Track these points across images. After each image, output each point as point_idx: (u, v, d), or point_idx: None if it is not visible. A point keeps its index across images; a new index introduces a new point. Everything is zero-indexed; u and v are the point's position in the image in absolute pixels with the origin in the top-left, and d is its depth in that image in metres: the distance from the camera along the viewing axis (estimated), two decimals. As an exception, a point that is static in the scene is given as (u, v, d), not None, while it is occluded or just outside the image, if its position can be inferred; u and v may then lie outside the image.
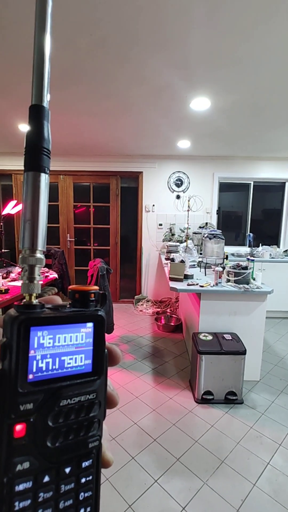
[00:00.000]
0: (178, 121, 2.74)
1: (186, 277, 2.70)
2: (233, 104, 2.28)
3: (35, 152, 0.23)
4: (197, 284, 2.54)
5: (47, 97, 0.23)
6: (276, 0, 1.21)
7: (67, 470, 0.22)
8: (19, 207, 3.35)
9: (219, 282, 2.57)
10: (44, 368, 0.21)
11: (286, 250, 4.44)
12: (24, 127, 3.05)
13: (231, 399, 2.29)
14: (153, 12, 1.28)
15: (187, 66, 1.74)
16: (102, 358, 0.25)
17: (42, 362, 0.21)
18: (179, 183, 4.47)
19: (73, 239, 4.74)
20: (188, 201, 3.79)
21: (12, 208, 3.26)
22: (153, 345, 3.28)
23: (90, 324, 0.24)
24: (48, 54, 0.23)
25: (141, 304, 4.52)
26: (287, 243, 4.63)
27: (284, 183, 4.57)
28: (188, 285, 2.54)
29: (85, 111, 2.54)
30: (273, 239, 4.76)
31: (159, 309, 4.33)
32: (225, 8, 1.25)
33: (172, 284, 2.54)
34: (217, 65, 1.72)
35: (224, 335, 2.45)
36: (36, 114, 0.23)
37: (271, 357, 3.02)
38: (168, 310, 4.21)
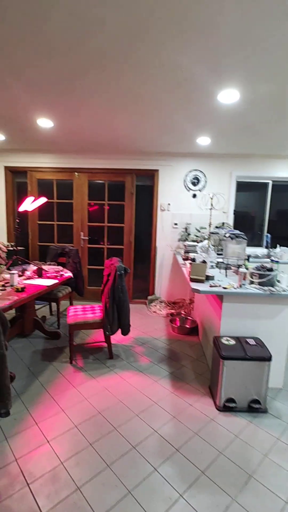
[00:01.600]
0: (202, 115, 2.64)
1: (208, 278, 2.60)
2: (263, 96, 2.16)
3: None
4: (219, 286, 2.43)
5: None
6: None
7: None
8: (37, 203, 3.30)
9: (243, 284, 2.45)
10: None
11: (306, 252, 4.28)
12: (43, 122, 2.99)
13: (255, 407, 2.18)
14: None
15: (216, 54, 1.64)
16: None
17: None
18: (195, 181, 4.36)
19: (87, 238, 4.68)
20: (211, 199, 3.67)
21: (29, 204, 3.20)
22: (168, 348, 3.19)
23: None
24: None
25: (154, 305, 4.43)
26: (306, 244, 4.47)
27: (305, 182, 4.41)
28: (210, 286, 2.43)
29: (104, 104, 2.46)
30: (289, 241, 4.60)
31: (173, 311, 4.23)
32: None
33: (194, 285, 2.44)
34: (248, 53, 1.62)
35: (248, 340, 2.34)
36: None
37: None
38: (182, 312, 4.10)
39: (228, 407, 2.19)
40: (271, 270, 2.47)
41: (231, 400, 2.20)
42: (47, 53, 1.69)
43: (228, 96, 2.19)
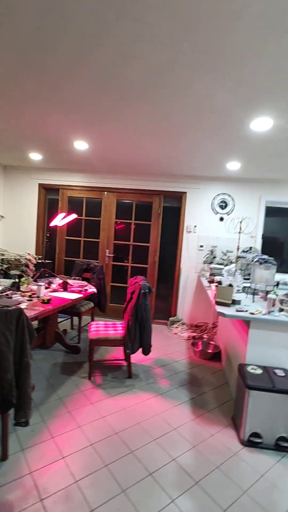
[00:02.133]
0: (233, 142, 2.69)
1: (234, 302, 2.53)
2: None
3: None
4: (246, 311, 2.35)
5: None
6: None
7: None
8: (67, 219, 3.44)
9: (272, 311, 2.36)
10: None
11: None
12: (79, 144, 3.17)
13: (283, 446, 2.01)
14: (214, 31, 1.26)
15: (249, 85, 1.69)
16: None
17: None
18: (223, 205, 4.37)
19: (112, 255, 4.75)
20: (240, 223, 3.65)
21: (61, 219, 3.34)
22: (189, 372, 3.07)
23: None
24: None
25: (176, 327, 4.34)
26: None
27: None
28: (236, 311, 2.36)
29: (140, 130, 2.58)
30: None
31: (195, 334, 4.12)
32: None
33: (219, 309, 2.37)
34: (282, 82, 1.66)
35: (275, 371, 2.21)
36: None
37: None
38: (205, 336, 3.98)
39: (252, 442, 2.04)
40: (302, 297, 2.36)
41: (256, 435, 2.05)
42: (90, 87, 1.83)
43: (261, 124, 2.22)
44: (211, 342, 3.68)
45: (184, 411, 2.39)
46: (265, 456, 1.95)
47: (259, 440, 2.03)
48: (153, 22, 1.26)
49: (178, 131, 2.56)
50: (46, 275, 3.64)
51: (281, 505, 1.59)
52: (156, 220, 4.59)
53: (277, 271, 4.38)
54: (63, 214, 3.46)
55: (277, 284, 3.07)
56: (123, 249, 4.79)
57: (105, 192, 4.66)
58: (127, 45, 1.44)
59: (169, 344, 3.80)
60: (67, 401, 2.38)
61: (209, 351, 3.52)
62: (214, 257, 4.27)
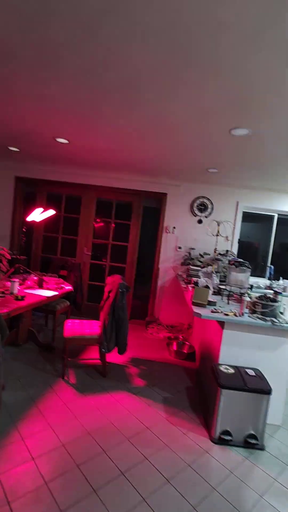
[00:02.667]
0: (215, 147, 2.74)
1: (210, 303, 2.58)
2: (274, 133, 2.26)
3: None
4: (221, 312, 2.41)
5: None
6: None
7: None
8: (45, 215, 3.34)
9: (245, 313, 2.44)
10: None
11: (307, 287, 4.29)
12: (60, 141, 3.10)
13: (252, 443, 2.08)
14: (212, 40, 1.28)
15: (236, 92, 1.74)
16: None
17: None
18: (202, 208, 4.46)
19: (90, 254, 4.69)
20: (218, 225, 3.73)
21: (38, 215, 3.25)
22: (164, 372, 3.10)
23: None
24: None
25: (152, 327, 4.36)
26: (308, 280, 4.49)
27: (308, 219, 4.51)
28: (211, 312, 2.41)
29: (123, 130, 2.56)
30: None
31: (170, 334, 4.16)
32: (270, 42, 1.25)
33: (196, 310, 2.42)
34: (265, 93, 1.72)
35: (247, 370, 2.29)
36: None
37: (291, 400, 2.80)
38: (180, 336, 4.03)
39: (223, 439, 2.10)
40: (274, 301, 2.47)
41: (227, 432, 2.11)
42: (75, 85, 1.79)
43: (242, 130, 2.29)
44: (186, 343, 3.74)
45: (157, 410, 2.40)
46: (235, 454, 2.01)
47: (229, 438, 2.09)
48: (143, 22, 1.26)
49: (162, 133, 2.57)
50: (21, 271, 3.52)
51: (248, 501, 1.65)
52: (136, 219, 4.59)
53: (251, 275, 4.54)
54: (41, 209, 3.36)
55: (251, 287, 3.18)
56: (102, 247, 4.74)
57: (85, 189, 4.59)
58: (115, 43, 1.43)
59: (145, 344, 3.81)
60: (38, 401, 2.32)
61: (184, 351, 3.57)
62: (192, 259, 4.34)
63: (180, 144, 2.80)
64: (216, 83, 1.67)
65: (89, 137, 2.91)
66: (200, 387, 2.87)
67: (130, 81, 1.77)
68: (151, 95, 1.91)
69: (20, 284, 3.08)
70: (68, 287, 3.39)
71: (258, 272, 4.69)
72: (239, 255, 4.51)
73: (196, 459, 1.92)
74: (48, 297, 2.88)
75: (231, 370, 2.26)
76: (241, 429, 2.11)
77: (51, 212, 3.65)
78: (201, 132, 2.44)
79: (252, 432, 2.10)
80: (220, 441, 2.10)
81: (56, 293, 3.06)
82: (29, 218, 3.37)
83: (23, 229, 3.56)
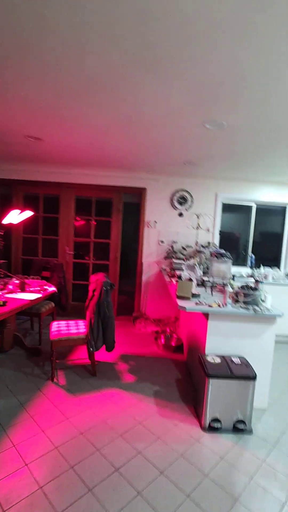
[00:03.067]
0: (190, 140, 2.76)
1: (194, 296, 2.63)
2: (246, 125, 2.30)
3: None
4: (205, 304, 2.46)
5: None
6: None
7: None
8: (22, 216, 3.26)
9: (228, 303, 2.50)
10: None
11: (287, 274, 4.44)
12: (33, 138, 3.01)
13: (240, 428, 2.16)
14: (176, 35, 1.28)
15: (207, 86, 1.75)
16: None
17: None
18: (182, 201, 4.49)
19: (72, 253, 4.64)
20: (198, 218, 3.77)
21: (15, 217, 3.16)
22: (153, 366, 3.14)
23: None
24: None
25: (139, 322, 4.39)
26: (287, 266, 4.64)
27: (285, 207, 4.64)
28: (196, 304, 2.46)
29: (102, 122, 2.52)
30: (272, 262, 4.76)
31: (158, 328, 4.21)
32: (239, 35, 1.26)
33: (180, 303, 2.45)
34: (236, 86, 1.74)
35: (233, 358, 2.36)
36: None
37: (276, 383, 2.92)
38: (167, 329, 4.08)
39: (213, 427, 2.16)
40: (255, 289, 2.54)
41: (216, 420, 2.17)
42: (46, 81, 1.74)
43: (215, 124, 2.31)
44: (174, 335, 3.79)
45: (148, 404, 2.44)
46: (225, 440, 2.08)
47: (218, 425, 2.16)
48: (113, 17, 1.24)
49: (136, 129, 2.55)
50: (1, 276, 3.44)
51: (238, 484, 1.72)
52: (116, 216, 4.56)
53: (234, 264, 4.64)
54: (18, 211, 3.28)
55: (233, 277, 3.25)
56: (84, 246, 4.69)
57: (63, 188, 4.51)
58: (81, 37, 1.39)
59: (133, 340, 3.84)
60: (28, 406, 2.30)
61: (172, 344, 3.63)
62: (175, 252, 4.38)
63: (155, 139, 2.80)
64: (185, 76, 1.67)
65: (62, 134, 2.85)
66: (190, 378, 2.93)
67: (100, 78, 1.74)
68: (121, 92, 1.89)
69: (1, 289, 3.01)
70: (52, 289, 3.35)
71: (240, 261, 4.80)
72: (221, 246, 4.59)
73: (188, 448, 1.97)
74: (31, 301, 2.84)
75: (218, 360, 2.32)
76: (230, 415, 2.18)
77: (28, 213, 3.57)
78: (175, 126, 2.45)
79: (240, 417, 2.18)
80: (210, 429, 2.16)
81: (39, 295, 3.01)
82: (5, 221, 3.28)
83: (0, 233, 3.46)
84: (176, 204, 4.49)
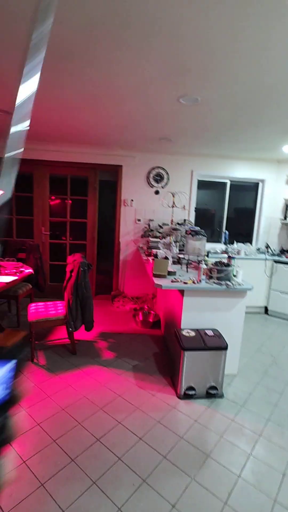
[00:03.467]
0: (165, 115, 2.70)
1: (170, 273, 2.70)
2: (219, 100, 2.27)
3: None
4: (180, 281, 2.54)
5: None
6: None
7: None
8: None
9: (202, 279, 2.59)
10: None
11: (258, 248, 4.62)
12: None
13: (212, 393, 2.34)
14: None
15: (178, 58, 1.70)
16: None
17: None
18: (158, 178, 4.45)
19: (48, 233, 4.54)
20: (173, 196, 3.77)
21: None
22: (132, 342, 3.25)
23: None
24: None
25: (118, 300, 4.47)
26: (259, 241, 4.82)
27: (258, 183, 4.73)
28: (172, 282, 2.53)
29: (72, 95, 2.40)
30: (245, 237, 4.92)
31: (136, 305, 4.31)
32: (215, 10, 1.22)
33: (157, 281, 2.52)
34: (207, 61, 1.70)
35: (206, 331, 2.49)
36: None
37: (246, 351, 3.13)
38: (145, 306, 4.20)
39: (188, 394, 2.32)
40: (228, 265, 2.64)
41: (191, 388, 2.33)
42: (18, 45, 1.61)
43: (188, 99, 2.26)
44: (151, 312, 3.91)
45: (128, 378, 2.56)
46: (198, 405, 2.25)
47: (193, 392, 2.32)
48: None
49: (108, 103, 2.45)
50: (-26, 259, 3.33)
51: (210, 442, 1.89)
52: (92, 194, 4.47)
53: (209, 241, 4.75)
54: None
55: (208, 253, 3.34)
56: (60, 226, 4.59)
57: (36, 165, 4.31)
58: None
59: (112, 318, 3.92)
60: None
61: (150, 320, 3.75)
62: (152, 230, 4.40)
63: (128, 113, 2.71)
64: (158, 48, 1.61)
65: (33, 107, 2.69)
66: (167, 351, 3.08)
67: (69, 48, 1.64)
68: (90, 61, 1.79)
69: (-26, 273, 2.93)
70: (28, 270, 3.31)
71: (215, 237, 4.92)
72: (197, 223, 4.66)
73: (165, 415, 2.11)
74: (7, 283, 2.80)
75: (192, 333, 2.44)
76: (203, 383, 2.34)
77: (-1, 193, 3.41)
78: (148, 101, 2.38)
79: (213, 384, 2.35)
80: (185, 396, 2.32)
81: (15, 277, 2.97)
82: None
83: None
84: (152, 181, 4.45)
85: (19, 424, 1.94)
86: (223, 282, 2.54)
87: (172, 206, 3.97)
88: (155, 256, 2.96)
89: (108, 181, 4.56)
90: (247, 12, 1.26)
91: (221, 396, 2.36)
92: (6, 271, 3.12)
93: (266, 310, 4.43)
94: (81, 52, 1.68)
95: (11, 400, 0.53)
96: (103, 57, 1.72)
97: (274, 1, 1.18)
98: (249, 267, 4.12)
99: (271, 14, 1.26)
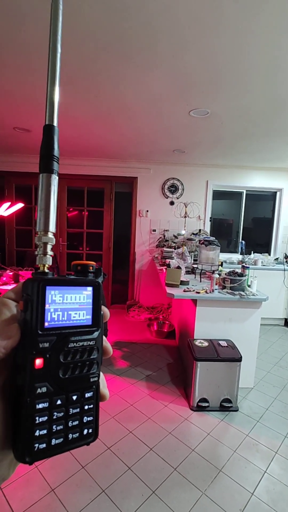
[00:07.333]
0: (176, 128, 2.77)
1: (182, 283, 2.70)
2: (230, 112, 2.32)
3: (48, 159, 0.32)
4: (193, 291, 2.54)
5: (56, 119, 0.31)
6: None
7: (74, 397, 0.29)
8: (13, 209, 3.28)
9: (215, 289, 2.57)
10: (56, 319, 0.27)
11: (276, 258, 4.52)
12: (21, 128, 3.01)
13: (226, 406, 2.28)
14: (159, 25, 1.29)
15: (185, 76, 1.76)
16: (99, 315, 0.30)
17: (54, 314, 0.27)
18: (173, 189, 4.51)
19: (65, 243, 4.68)
20: (186, 207, 3.80)
21: (5, 210, 3.19)
22: (146, 352, 3.25)
23: (89, 288, 0.30)
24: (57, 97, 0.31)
25: (133, 310, 4.49)
26: (277, 251, 4.72)
27: (276, 192, 4.67)
28: (184, 291, 2.53)
29: (86, 113, 2.52)
30: (263, 247, 4.84)
31: (151, 315, 4.31)
32: (219, 30, 1.28)
33: (169, 290, 2.53)
34: (216, 75, 1.75)
35: (220, 342, 2.45)
36: (49, 131, 0.32)
37: (263, 364, 3.04)
38: (160, 316, 4.19)
39: (201, 406, 2.28)
40: (241, 275, 2.61)
41: (204, 400, 2.29)
42: (28, 71, 1.75)
43: (200, 112, 2.32)
44: (166, 322, 3.90)
45: (140, 387, 2.55)
46: (211, 417, 2.20)
47: (206, 404, 2.27)
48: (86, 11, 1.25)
49: (121, 119, 2.56)
50: (-5, 268, 3.49)
51: (222, 456, 1.84)
52: (108, 206, 4.58)
53: (225, 251, 4.71)
54: (8, 204, 3.29)
55: (222, 263, 3.32)
56: (77, 236, 4.73)
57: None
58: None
59: (127, 327, 3.94)
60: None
61: (164, 330, 3.73)
62: (167, 240, 4.43)
63: (142, 128, 2.80)
64: (166, 66, 1.68)
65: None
66: (181, 362, 3.05)
67: (84, 69, 1.75)
68: (104, 80, 1.90)
69: (-5, 282, 3.06)
70: (45, 280, 3.41)
71: (232, 247, 4.87)
72: (213, 233, 4.65)
73: (177, 426, 2.08)
74: (25, 292, 2.90)
75: (205, 344, 2.41)
76: (217, 395, 2.29)
77: (19, 206, 3.58)
78: (160, 115, 2.46)
79: (227, 396, 2.30)
80: (198, 408, 2.28)
81: (33, 287, 3.07)
82: (-3, 214, 3.30)
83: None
84: (167, 192, 4.51)
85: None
86: (236, 292, 2.51)
87: (185, 216, 4.00)
88: (168, 265, 2.97)
89: (124, 192, 4.67)
90: (251, 28, 1.30)
91: (236, 409, 2.30)
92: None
93: (286, 322, 4.29)
94: (92, 73, 1.78)
95: None
96: (112, 75, 1.82)
97: (283, 14, 1.21)
98: (267, 277, 4.04)
99: (280, 27, 1.29)
